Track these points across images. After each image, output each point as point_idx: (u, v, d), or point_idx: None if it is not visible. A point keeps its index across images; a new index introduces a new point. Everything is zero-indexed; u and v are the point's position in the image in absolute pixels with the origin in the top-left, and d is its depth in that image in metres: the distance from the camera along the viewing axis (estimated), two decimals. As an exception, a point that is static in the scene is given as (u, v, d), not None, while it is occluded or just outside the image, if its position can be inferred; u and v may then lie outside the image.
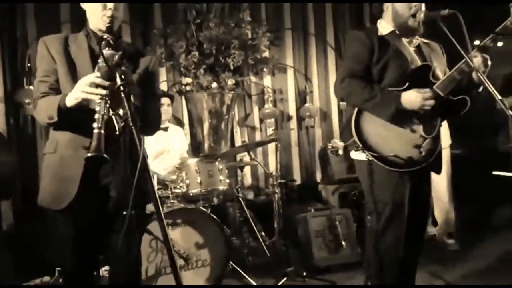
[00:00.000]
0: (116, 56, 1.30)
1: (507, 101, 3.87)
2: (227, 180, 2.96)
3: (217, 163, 2.93)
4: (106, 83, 1.40)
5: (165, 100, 3.42)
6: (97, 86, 1.41)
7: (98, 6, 1.62)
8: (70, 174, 1.61)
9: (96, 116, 1.38)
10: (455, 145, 3.49)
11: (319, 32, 4.75)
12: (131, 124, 1.22)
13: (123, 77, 1.29)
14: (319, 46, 4.76)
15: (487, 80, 1.76)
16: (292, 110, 4.66)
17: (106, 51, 1.43)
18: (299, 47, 4.70)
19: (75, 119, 1.53)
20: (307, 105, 4.59)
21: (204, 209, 2.78)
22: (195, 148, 4.04)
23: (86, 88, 1.44)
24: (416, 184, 2.07)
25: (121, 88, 1.25)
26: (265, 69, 4.41)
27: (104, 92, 1.40)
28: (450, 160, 3.44)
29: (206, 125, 4.16)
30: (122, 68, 1.32)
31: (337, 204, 3.93)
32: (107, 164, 1.47)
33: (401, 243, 2.06)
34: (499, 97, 1.69)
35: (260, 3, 4.53)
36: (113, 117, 1.29)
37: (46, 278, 2.95)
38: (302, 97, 4.67)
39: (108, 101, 1.39)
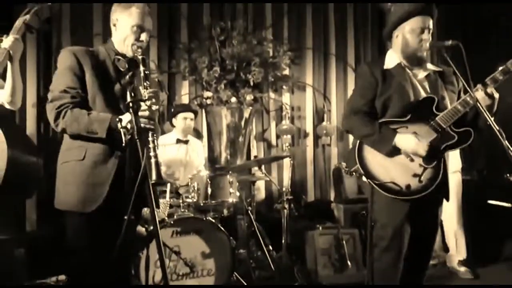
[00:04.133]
0: (127, 76, 1.43)
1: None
2: (237, 193, 3.04)
3: (228, 176, 3.03)
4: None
5: (189, 115, 3.57)
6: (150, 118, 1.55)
7: (131, 34, 1.74)
8: (101, 180, 1.72)
9: (151, 145, 1.51)
10: (467, 170, 3.44)
11: (340, 52, 4.83)
12: (136, 138, 1.34)
13: (132, 94, 1.41)
14: (339, 66, 4.84)
15: (487, 112, 1.78)
16: (309, 127, 4.73)
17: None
18: (319, 67, 4.79)
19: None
20: (324, 123, 4.64)
21: (213, 220, 2.87)
22: (212, 160, 4.17)
23: (140, 120, 1.54)
24: (420, 211, 2.09)
25: (130, 104, 1.37)
26: (284, 87, 4.52)
27: (128, 126, 1.52)
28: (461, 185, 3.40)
29: (224, 138, 4.29)
30: (133, 85, 1.44)
31: (348, 223, 3.93)
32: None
33: (398, 266, 2.08)
34: (497, 127, 1.71)
35: (283, 20, 4.65)
36: (121, 130, 1.41)
37: (62, 277, 3.11)
38: (319, 116, 4.74)
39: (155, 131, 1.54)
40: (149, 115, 1.57)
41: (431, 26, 2.10)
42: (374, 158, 2.10)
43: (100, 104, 1.73)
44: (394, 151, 2.05)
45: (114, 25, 1.82)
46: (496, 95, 1.95)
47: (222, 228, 2.85)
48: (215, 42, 4.19)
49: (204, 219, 2.86)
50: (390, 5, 4.71)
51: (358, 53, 4.90)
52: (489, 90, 1.93)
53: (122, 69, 1.74)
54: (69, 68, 1.74)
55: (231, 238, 2.89)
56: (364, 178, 2.13)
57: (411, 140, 2.01)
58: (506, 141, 1.71)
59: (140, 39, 1.74)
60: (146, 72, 1.58)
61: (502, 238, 3.67)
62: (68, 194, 1.75)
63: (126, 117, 1.59)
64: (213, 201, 2.93)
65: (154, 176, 1.46)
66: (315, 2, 4.75)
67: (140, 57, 1.65)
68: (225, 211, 3.17)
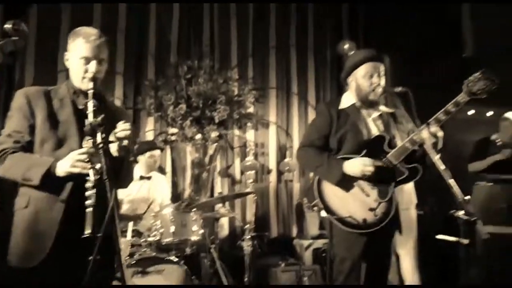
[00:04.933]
0: (99, 118, 1.45)
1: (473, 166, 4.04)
2: (201, 231, 3.04)
3: (192, 213, 3.03)
4: (97, 157, 1.41)
5: (157, 152, 3.59)
6: (89, 161, 1.44)
7: (80, 67, 1.64)
8: (44, 229, 1.56)
9: (89, 192, 1.39)
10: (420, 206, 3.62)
11: (302, 92, 5.06)
12: (105, 178, 1.36)
13: (103, 135, 1.43)
14: (301, 105, 5.05)
15: (431, 150, 1.96)
16: (272, 163, 4.84)
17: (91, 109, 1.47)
18: (282, 105, 4.97)
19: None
20: (287, 159, 4.77)
21: (174, 259, 2.84)
22: (176, 196, 4.14)
23: (78, 164, 1.47)
24: (374, 244, 2.20)
25: (100, 145, 1.40)
26: (248, 124, 4.65)
27: (97, 166, 1.42)
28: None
29: (188, 174, 4.31)
30: (103, 127, 1.45)
31: (310, 259, 3.99)
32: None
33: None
34: (443, 167, 1.88)
35: (248, 60, 4.84)
36: (90, 170, 1.43)
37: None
38: (282, 152, 4.87)
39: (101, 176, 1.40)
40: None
41: (382, 71, 2.29)
42: (332, 193, 2.21)
43: (49, 148, 1.63)
44: (345, 182, 2.17)
45: (67, 59, 1.72)
46: (440, 134, 2.09)
47: (185, 267, 2.81)
48: (182, 80, 4.29)
49: (166, 258, 2.82)
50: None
51: (318, 92, 5.16)
52: (433, 129, 2.09)
53: (80, 107, 1.65)
54: (18, 111, 1.66)
55: (193, 277, 2.86)
56: (323, 213, 2.23)
57: (356, 162, 2.15)
58: (451, 179, 1.87)
59: (90, 70, 1.62)
60: (94, 107, 1.47)
61: (457, 272, 3.84)
62: (12, 247, 1.61)
63: (66, 166, 1.51)
64: (175, 240, 2.91)
65: (88, 229, 1.34)
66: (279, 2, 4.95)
67: (90, 91, 1.53)
68: (188, 250, 3.14)
